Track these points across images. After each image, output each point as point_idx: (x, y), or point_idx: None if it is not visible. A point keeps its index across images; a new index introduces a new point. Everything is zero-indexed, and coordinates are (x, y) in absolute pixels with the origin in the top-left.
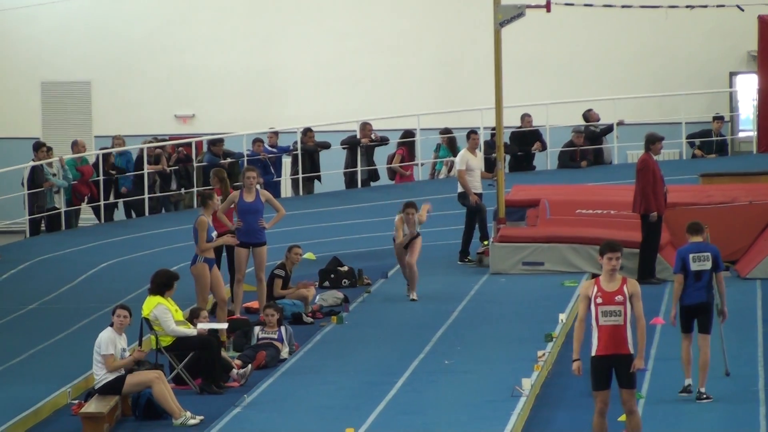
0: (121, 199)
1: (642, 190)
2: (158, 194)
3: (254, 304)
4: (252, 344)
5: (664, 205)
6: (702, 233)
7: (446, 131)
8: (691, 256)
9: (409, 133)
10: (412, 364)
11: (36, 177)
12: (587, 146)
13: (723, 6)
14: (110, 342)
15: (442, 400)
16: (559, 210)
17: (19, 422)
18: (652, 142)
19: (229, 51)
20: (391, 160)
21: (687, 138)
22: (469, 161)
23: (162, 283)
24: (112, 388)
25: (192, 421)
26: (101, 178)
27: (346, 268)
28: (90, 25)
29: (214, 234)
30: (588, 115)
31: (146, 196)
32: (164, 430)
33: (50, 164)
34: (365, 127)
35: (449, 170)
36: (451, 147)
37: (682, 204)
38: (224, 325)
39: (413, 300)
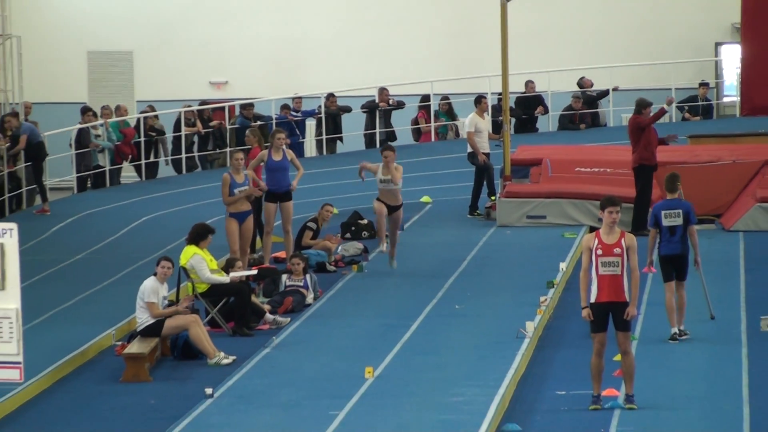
0: (162, 158)
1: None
2: (195, 154)
3: (282, 254)
4: (280, 290)
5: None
6: (677, 191)
7: (444, 98)
8: (663, 213)
9: (427, 98)
10: (426, 308)
11: (83, 138)
12: (585, 110)
13: None
14: (153, 291)
15: (453, 341)
16: (560, 168)
17: (68, 362)
18: (643, 106)
19: (259, 23)
20: (416, 121)
21: (677, 103)
22: (478, 124)
23: (198, 235)
24: (153, 330)
25: (225, 361)
26: (142, 139)
27: (365, 221)
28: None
29: (238, 190)
30: (581, 82)
31: (183, 155)
32: (200, 369)
33: (95, 127)
34: (383, 92)
35: (456, 134)
36: (449, 113)
37: (673, 163)
38: (253, 272)
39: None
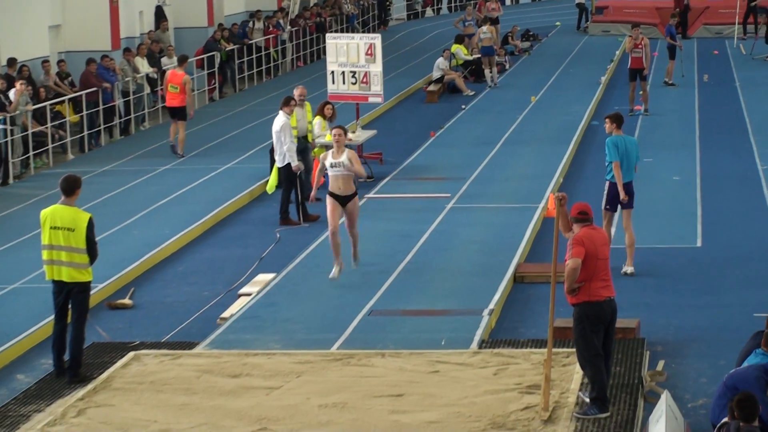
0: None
1: None
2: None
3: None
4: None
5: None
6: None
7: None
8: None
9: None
10: (556, 72)
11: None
12: None
13: None
14: (437, 66)
15: (564, 84)
16: (616, 9)
17: (406, 92)
18: None
19: None
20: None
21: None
22: None
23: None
24: (439, 80)
25: (466, 93)
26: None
27: (531, 33)
28: None
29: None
30: None
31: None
32: (457, 99)
33: None
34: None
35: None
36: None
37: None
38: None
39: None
